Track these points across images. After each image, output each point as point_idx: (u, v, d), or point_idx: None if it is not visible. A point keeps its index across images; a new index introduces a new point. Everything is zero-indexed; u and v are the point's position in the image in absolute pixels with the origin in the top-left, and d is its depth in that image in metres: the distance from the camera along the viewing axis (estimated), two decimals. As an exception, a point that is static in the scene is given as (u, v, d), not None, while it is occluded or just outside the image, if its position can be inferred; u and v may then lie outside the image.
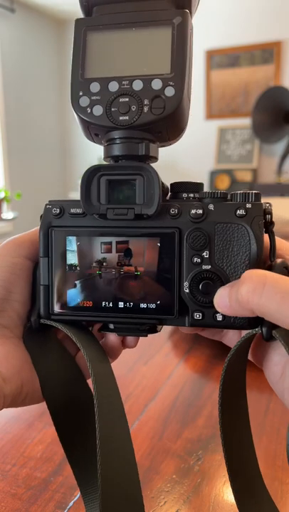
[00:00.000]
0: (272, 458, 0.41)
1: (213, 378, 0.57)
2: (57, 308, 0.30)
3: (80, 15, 0.30)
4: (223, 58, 3.23)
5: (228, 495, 0.37)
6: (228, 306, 0.26)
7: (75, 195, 3.35)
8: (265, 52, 3.13)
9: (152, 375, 0.58)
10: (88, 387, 0.32)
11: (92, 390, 0.27)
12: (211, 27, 3.12)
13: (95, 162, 3.59)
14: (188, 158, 3.21)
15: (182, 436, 0.45)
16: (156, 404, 0.51)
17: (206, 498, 0.37)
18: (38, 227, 0.31)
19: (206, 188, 0.31)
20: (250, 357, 0.30)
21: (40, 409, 0.49)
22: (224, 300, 0.26)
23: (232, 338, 0.32)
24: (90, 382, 0.30)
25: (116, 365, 0.31)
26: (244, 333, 0.28)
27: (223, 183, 3.12)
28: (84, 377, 0.33)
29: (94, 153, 3.51)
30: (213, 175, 3.16)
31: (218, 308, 0.27)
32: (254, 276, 0.25)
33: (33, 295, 0.31)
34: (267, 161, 3.21)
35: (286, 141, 2.98)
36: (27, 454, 0.42)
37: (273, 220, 0.29)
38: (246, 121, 3.16)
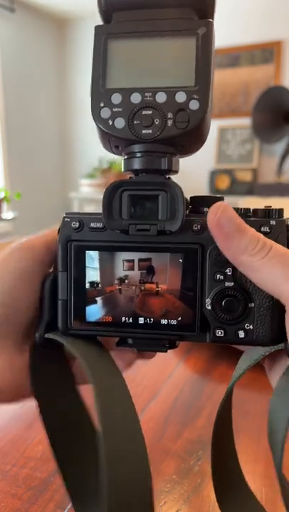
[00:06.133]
0: (271, 459, 0.41)
1: (213, 378, 0.57)
2: (75, 324, 0.30)
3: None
4: (223, 58, 3.23)
5: (228, 495, 0.37)
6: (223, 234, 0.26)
7: (75, 195, 3.35)
8: (265, 52, 3.13)
9: (152, 375, 0.58)
10: (88, 413, 0.32)
11: (96, 408, 0.25)
12: (211, 27, 3.12)
13: (95, 162, 3.59)
14: (188, 158, 3.20)
15: (182, 437, 0.45)
16: (156, 404, 0.51)
17: (206, 498, 0.37)
18: (49, 230, 0.31)
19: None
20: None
21: (40, 410, 0.49)
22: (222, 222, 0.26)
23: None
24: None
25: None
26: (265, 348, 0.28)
27: (224, 183, 3.11)
28: (84, 403, 0.32)
29: (94, 154, 3.50)
30: (213, 175, 3.16)
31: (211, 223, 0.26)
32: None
33: (40, 306, 0.30)
34: (267, 161, 3.21)
35: (286, 140, 2.98)
36: (27, 454, 0.42)
37: None
38: (246, 121, 3.16)
